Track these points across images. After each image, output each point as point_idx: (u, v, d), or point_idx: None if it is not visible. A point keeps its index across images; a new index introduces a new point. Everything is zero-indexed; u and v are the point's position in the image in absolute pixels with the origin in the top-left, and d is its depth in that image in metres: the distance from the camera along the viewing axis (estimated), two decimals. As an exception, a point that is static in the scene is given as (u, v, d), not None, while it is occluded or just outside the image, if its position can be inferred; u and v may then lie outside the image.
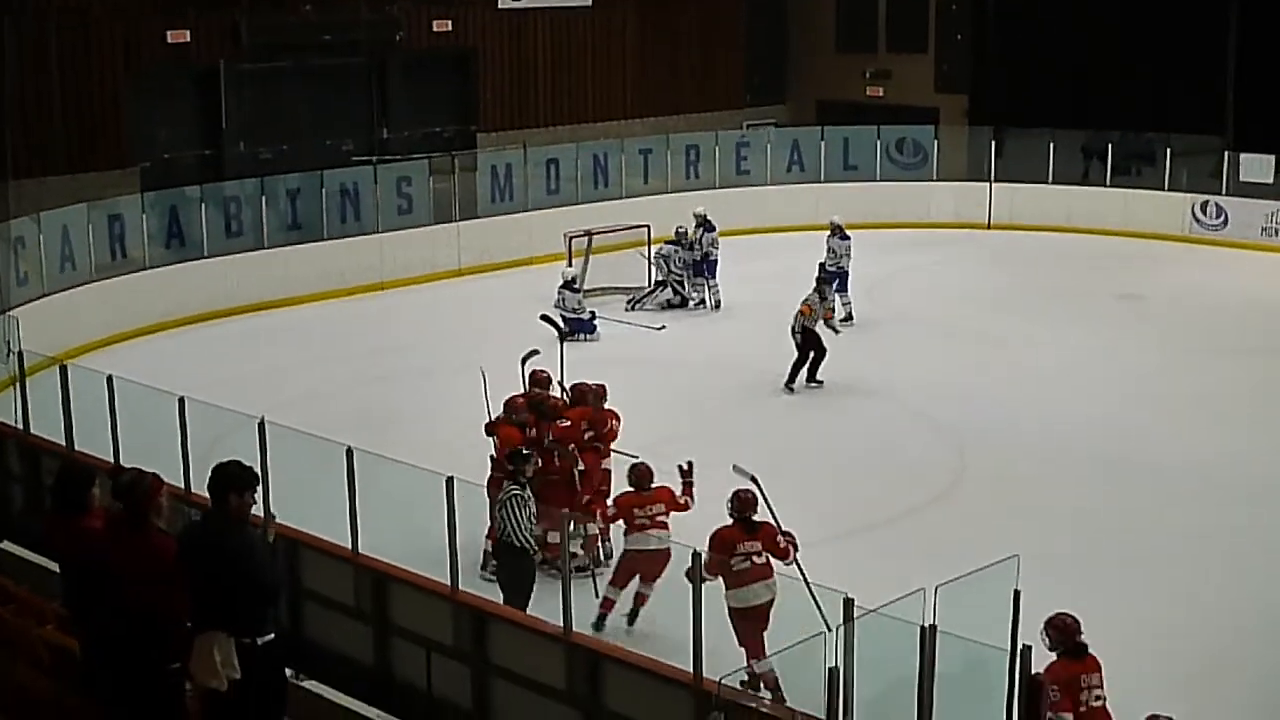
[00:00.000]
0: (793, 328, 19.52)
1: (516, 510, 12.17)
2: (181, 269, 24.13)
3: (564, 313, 22.26)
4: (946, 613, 8.43)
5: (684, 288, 24.26)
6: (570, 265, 23.85)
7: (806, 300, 19.68)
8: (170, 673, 8.24)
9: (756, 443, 17.27)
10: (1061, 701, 8.96)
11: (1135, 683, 10.64)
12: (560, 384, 14.93)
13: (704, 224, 24.30)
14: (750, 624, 11.22)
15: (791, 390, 19.36)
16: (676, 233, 24.56)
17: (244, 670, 7.76)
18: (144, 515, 8.26)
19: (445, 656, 10.95)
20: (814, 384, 19.51)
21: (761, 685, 10.62)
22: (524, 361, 15.12)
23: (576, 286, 22.76)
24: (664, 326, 23.02)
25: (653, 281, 24.49)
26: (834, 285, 22.31)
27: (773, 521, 11.61)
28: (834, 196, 30.36)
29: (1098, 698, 9.24)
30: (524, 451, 12.76)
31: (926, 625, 8.36)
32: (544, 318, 16.63)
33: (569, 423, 13.92)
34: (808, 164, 31.52)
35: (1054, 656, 9.15)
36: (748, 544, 11.38)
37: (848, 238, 22.76)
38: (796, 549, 11.49)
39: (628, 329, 22.81)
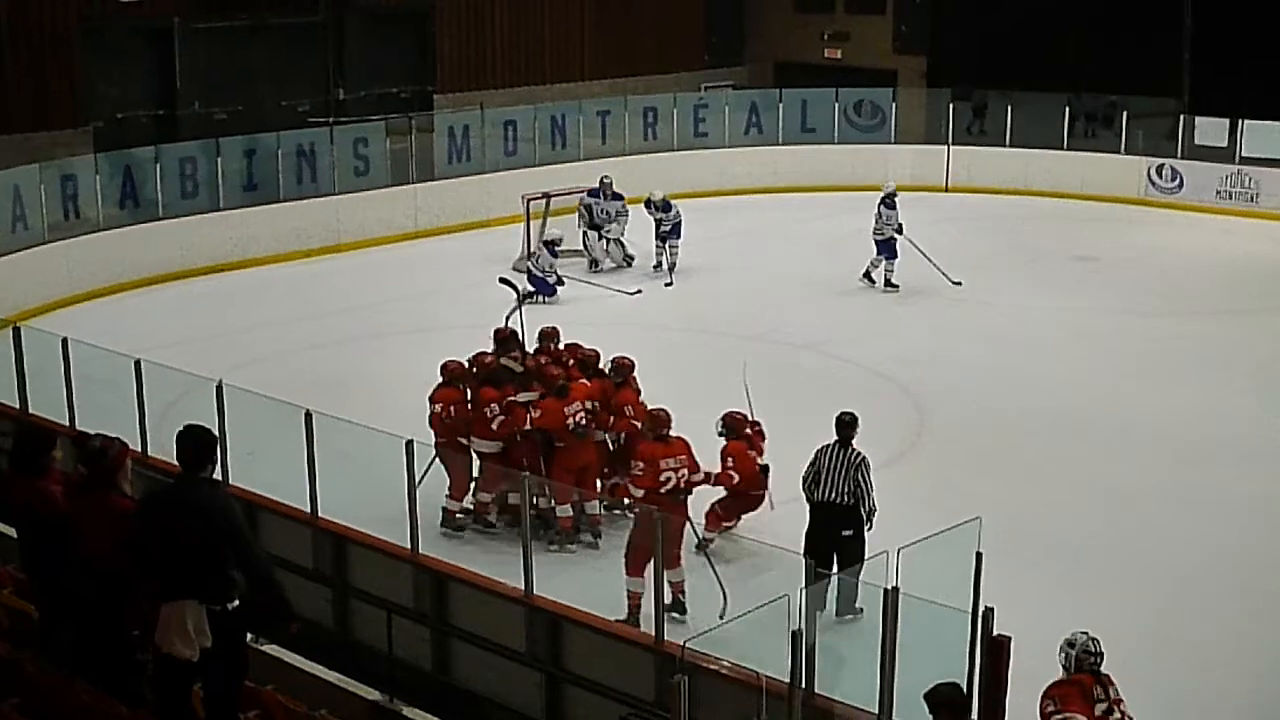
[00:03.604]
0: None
1: (869, 474, 12.04)
2: (136, 230, 23.88)
3: (534, 270, 22.23)
4: (907, 574, 8.46)
5: (598, 240, 24.27)
6: (545, 226, 23.70)
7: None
8: (131, 639, 8.20)
9: (717, 403, 17.28)
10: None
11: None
12: (522, 346, 14.80)
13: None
14: None
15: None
16: (602, 181, 24.57)
17: (213, 637, 7.71)
18: (111, 480, 8.20)
19: (406, 619, 10.94)
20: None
21: None
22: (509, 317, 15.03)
23: (558, 249, 22.66)
24: (639, 290, 22.82)
25: (581, 236, 24.40)
26: (881, 253, 22.63)
27: None
28: (792, 159, 30.44)
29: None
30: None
31: (889, 587, 8.39)
32: (503, 280, 16.47)
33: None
34: (765, 126, 31.45)
35: None
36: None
37: (894, 207, 22.71)
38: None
39: (600, 292, 22.68)
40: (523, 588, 10.36)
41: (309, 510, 11.56)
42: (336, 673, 9.98)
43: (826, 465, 12.02)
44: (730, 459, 12.98)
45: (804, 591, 8.40)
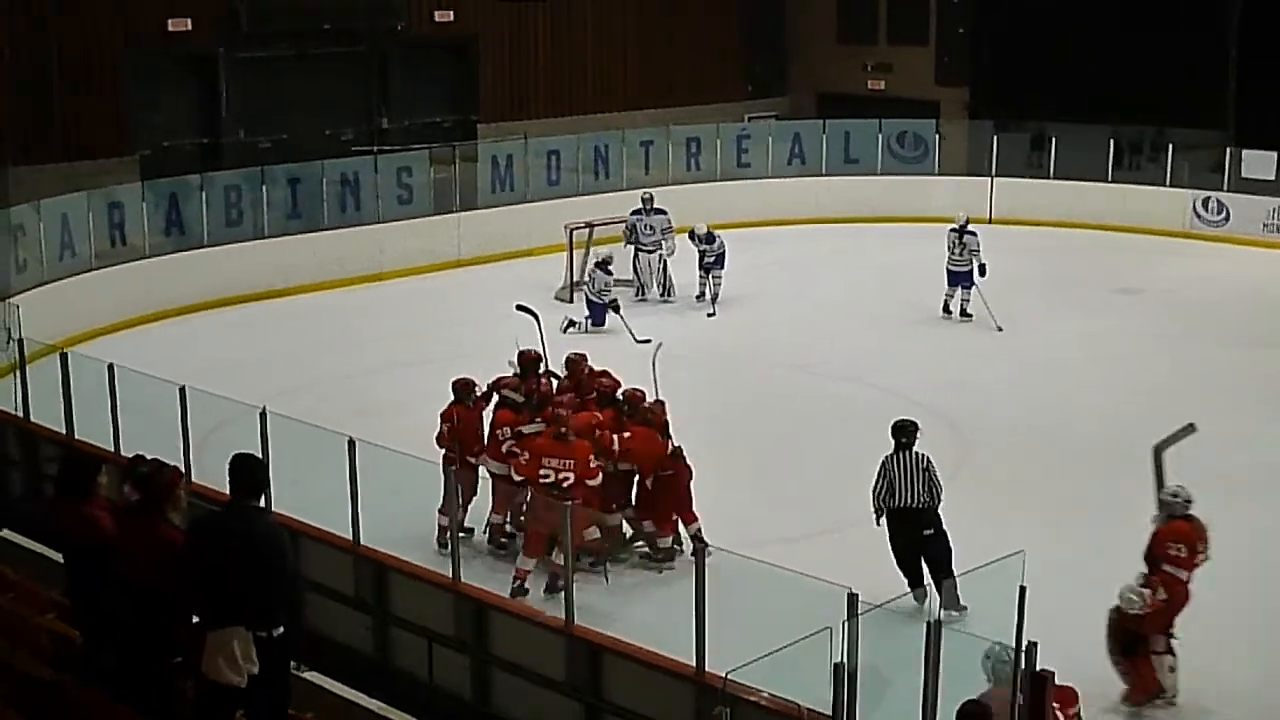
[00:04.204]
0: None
1: (936, 471, 12.56)
2: (181, 257, 24.06)
3: (590, 294, 22.29)
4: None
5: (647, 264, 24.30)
6: (588, 256, 23.70)
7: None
8: (172, 665, 8.21)
9: (751, 434, 17.27)
10: None
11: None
12: (547, 370, 14.77)
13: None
14: None
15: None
16: (643, 199, 24.65)
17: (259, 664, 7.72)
18: (158, 505, 8.22)
19: (446, 647, 10.94)
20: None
21: None
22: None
23: (611, 269, 22.67)
24: (649, 340, 20.19)
25: (632, 259, 24.30)
26: (957, 283, 22.73)
27: None
28: (835, 190, 30.44)
29: None
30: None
31: (931, 620, 8.34)
32: (520, 306, 16.49)
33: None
34: (809, 157, 31.45)
35: None
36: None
37: (973, 234, 22.73)
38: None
39: (649, 322, 22.41)
40: (563, 617, 10.36)
41: (351, 538, 11.58)
42: (377, 700, 9.98)
43: (897, 473, 12.44)
44: (627, 434, 13.22)
45: (845, 624, 8.35)
